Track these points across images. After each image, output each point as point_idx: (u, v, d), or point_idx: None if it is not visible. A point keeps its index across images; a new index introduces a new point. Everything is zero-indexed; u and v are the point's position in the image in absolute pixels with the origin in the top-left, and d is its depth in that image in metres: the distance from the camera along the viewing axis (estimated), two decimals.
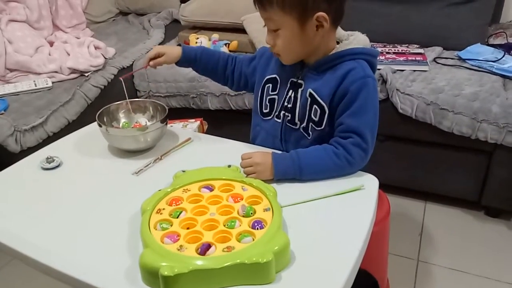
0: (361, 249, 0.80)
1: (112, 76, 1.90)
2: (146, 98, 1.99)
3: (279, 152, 1.00)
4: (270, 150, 1.01)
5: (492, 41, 1.89)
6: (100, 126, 1.08)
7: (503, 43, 1.85)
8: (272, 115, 1.10)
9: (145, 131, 1.06)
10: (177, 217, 0.81)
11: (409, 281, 1.52)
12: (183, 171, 0.96)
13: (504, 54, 1.74)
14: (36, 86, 1.70)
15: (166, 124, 1.12)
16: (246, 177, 0.95)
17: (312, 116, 1.02)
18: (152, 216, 0.82)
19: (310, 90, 1.01)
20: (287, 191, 0.93)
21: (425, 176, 1.77)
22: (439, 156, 1.70)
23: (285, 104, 1.06)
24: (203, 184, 0.90)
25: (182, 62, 1.14)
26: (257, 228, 0.77)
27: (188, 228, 0.79)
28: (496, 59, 1.72)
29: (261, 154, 0.99)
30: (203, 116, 1.79)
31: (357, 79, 0.96)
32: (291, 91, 1.05)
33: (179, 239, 0.76)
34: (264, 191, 0.87)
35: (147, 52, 2.10)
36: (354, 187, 0.93)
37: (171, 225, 0.80)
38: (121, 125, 1.15)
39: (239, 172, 0.96)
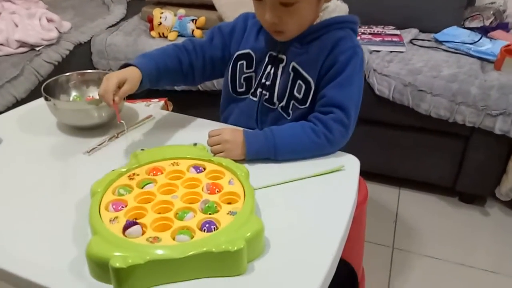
0: (342, 235, 0.71)
1: (67, 52, 1.74)
2: None
3: (251, 130, 0.89)
4: (241, 128, 0.90)
5: (468, 24, 1.85)
6: (46, 99, 0.94)
7: (479, 26, 1.81)
8: (248, 94, 0.99)
9: (99, 105, 0.93)
10: (142, 188, 0.73)
11: (385, 268, 1.46)
12: (142, 150, 0.84)
13: (481, 36, 1.70)
14: None
15: (124, 98, 0.99)
16: (214, 156, 0.84)
17: (295, 93, 0.92)
18: (120, 179, 0.74)
19: (293, 64, 0.90)
20: (261, 172, 0.83)
21: (400, 161, 1.71)
22: (415, 140, 1.64)
23: (263, 81, 0.95)
24: (194, 163, 0.79)
25: (145, 79, 0.87)
26: (204, 230, 0.64)
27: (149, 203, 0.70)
28: (473, 41, 1.67)
29: (231, 130, 0.88)
30: (168, 97, 1.67)
31: (347, 49, 0.87)
32: (270, 66, 0.94)
33: (121, 210, 0.68)
34: (235, 171, 0.76)
35: (107, 28, 1.95)
36: (334, 167, 0.84)
37: (129, 193, 0.71)
38: (71, 98, 1.02)
39: (206, 151, 0.85)
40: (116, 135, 0.96)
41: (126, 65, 0.88)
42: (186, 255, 0.59)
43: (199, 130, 0.96)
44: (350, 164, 0.87)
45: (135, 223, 0.64)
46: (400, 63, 1.57)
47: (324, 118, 0.87)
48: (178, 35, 1.83)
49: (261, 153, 0.86)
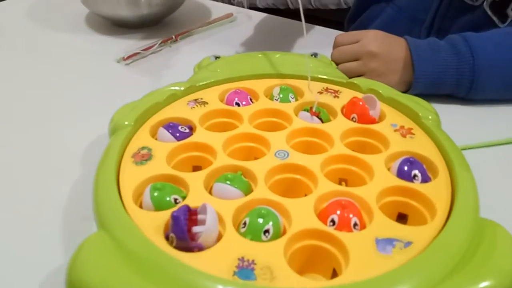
0: None
1: None
2: None
3: (420, 40, 0.47)
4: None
5: None
6: None
7: None
8: None
9: None
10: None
11: None
12: (217, 58, 0.45)
13: None
14: None
15: None
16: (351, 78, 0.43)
17: None
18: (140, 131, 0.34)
19: None
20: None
21: None
22: None
23: None
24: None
25: None
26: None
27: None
28: None
29: (380, 35, 0.46)
30: None
31: None
32: None
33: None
34: (415, 110, 0.35)
35: None
36: None
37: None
38: None
39: (335, 68, 0.45)
40: (173, 37, 0.57)
41: None
42: None
43: (314, 39, 0.56)
44: None
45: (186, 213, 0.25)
46: None
47: None
48: None
49: (443, 81, 0.44)
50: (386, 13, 0.58)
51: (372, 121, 0.35)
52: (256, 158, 0.31)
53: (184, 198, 0.28)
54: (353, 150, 0.32)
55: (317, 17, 1.33)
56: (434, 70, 0.44)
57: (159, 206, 0.27)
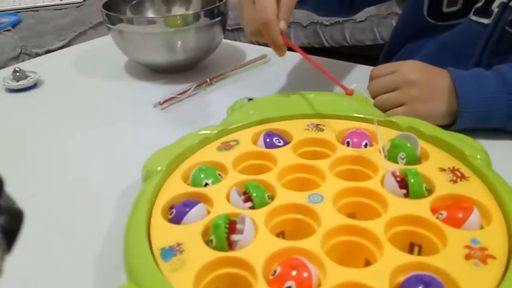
0: None
1: None
2: None
3: (464, 71, 0.44)
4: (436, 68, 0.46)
5: None
6: (106, 20, 0.60)
7: None
8: (466, 15, 0.52)
9: (184, 27, 0.56)
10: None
11: None
12: (250, 100, 0.45)
13: None
14: (61, 0, 1.27)
15: (224, 23, 0.61)
16: (386, 113, 0.42)
17: None
18: (172, 178, 0.34)
19: None
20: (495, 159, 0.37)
21: None
22: None
23: None
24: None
25: None
26: None
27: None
28: None
29: (420, 65, 0.45)
30: None
31: None
32: None
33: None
34: (460, 149, 0.33)
35: None
36: None
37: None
38: None
39: (370, 105, 0.43)
40: (208, 80, 0.58)
41: None
42: None
43: (351, 77, 0.55)
44: None
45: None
46: None
47: None
48: None
49: (491, 115, 0.41)
50: (427, 49, 0.55)
51: (456, 225, 0.27)
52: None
53: (213, 184, 0.32)
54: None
55: (354, 54, 1.33)
56: (481, 102, 0.41)
57: (194, 183, 0.33)
